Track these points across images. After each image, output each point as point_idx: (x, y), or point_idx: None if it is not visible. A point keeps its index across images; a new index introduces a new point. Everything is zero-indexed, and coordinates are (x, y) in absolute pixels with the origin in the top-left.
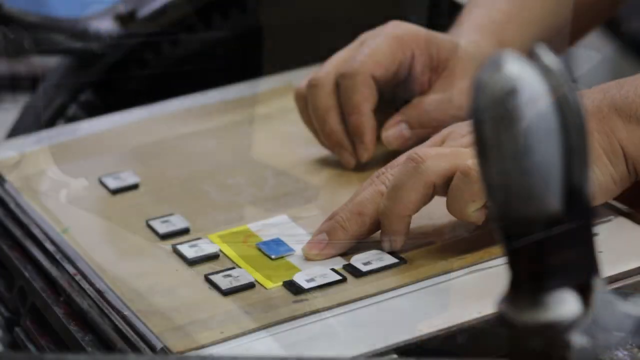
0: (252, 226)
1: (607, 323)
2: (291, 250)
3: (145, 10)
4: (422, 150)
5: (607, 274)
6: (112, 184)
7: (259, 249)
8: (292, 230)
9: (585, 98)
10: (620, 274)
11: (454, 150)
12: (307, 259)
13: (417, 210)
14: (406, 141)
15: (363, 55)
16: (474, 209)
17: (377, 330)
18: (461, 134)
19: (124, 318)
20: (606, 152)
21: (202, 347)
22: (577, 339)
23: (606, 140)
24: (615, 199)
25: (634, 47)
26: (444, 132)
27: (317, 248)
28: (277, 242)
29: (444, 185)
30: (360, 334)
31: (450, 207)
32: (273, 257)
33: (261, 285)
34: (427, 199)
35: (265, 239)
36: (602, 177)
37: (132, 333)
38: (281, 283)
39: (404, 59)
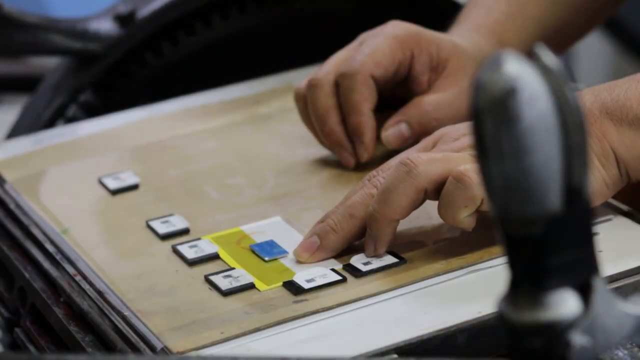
0: (246, 228)
1: (608, 323)
2: (284, 252)
3: (145, 11)
4: (413, 154)
5: (607, 274)
6: (112, 184)
7: (253, 251)
8: (286, 231)
9: None
10: (620, 273)
11: (446, 155)
12: (299, 261)
13: (406, 215)
14: (406, 141)
15: (363, 55)
16: (466, 215)
17: (377, 330)
18: (453, 137)
19: (124, 318)
20: (598, 155)
21: (203, 347)
22: (577, 339)
23: (598, 144)
24: (615, 198)
25: (634, 46)
26: (436, 134)
27: (308, 251)
28: (271, 244)
29: (436, 191)
30: (361, 334)
31: (441, 212)
32: (266, 259)
33: (255, 287)
34: (417, 204)
35: (258, 240)
36: (595, 181)
37: (133, 333)
38: (274, 285)
39: (404, 59)
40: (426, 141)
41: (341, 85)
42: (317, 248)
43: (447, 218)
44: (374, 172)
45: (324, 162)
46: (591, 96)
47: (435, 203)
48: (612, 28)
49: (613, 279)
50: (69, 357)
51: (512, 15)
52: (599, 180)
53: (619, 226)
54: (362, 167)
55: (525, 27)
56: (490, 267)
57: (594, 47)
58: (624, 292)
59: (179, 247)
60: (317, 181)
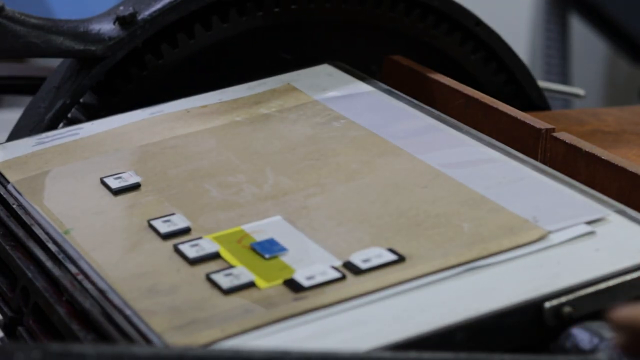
0: (247, 227)
1: None
2: (284, 249)
3: (145, 13)
4: None
5: (606, 272)
6: (114, 184)
7: (253, 249)
8: (286, 230)
9: None
10: (619, 272)
11: None
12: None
13: None
14: None
15: None
16: None
17: (376, 327)
18: None
19: (125, 317)
20: None
21: (204, 345)
22: None
23: None
24: (615, 197)
25: (631, 47)
26: None
27: None
28: (271, 242)
29: None
30: (360, 331)
31: None
32: (267, 256)
33: (255, 284)
34: None
35: (259, 239)
36: None
37: (134, 332)
38: (274, 283)
39: None
40: None
41: None
42: None
43: None
44: None
45: (324, 162)
46: None
47: (433, 200)
48: (606, 28)
49: (612, 277)
50: (73, 347)
51: None
52: None
53: (618, 226)
54: (362, 167)
55: None
56: (488, 264)
57: (588, 47)
58: (620, 291)
59: (181, 246)
60: (316, 180)
